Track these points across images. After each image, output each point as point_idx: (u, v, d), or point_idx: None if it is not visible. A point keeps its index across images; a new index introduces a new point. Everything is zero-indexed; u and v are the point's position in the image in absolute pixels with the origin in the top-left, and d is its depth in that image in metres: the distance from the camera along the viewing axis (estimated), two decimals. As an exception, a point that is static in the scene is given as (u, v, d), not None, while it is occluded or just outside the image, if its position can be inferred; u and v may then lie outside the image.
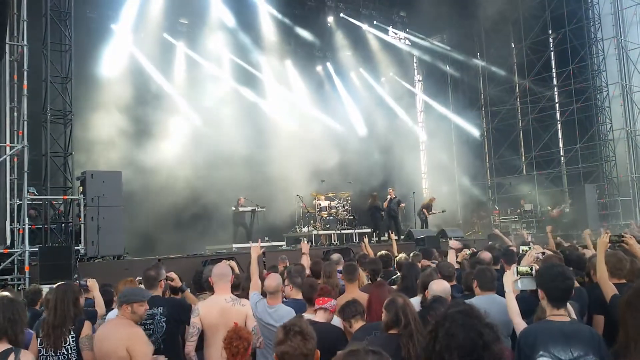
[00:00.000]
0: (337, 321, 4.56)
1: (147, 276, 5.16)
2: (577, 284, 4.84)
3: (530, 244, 7.52)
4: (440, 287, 4.59)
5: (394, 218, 16.90)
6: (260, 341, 4.51)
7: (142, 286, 5.30)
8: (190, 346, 4.55)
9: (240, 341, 3.44)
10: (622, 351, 3.09)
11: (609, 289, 4.41)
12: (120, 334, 4.05)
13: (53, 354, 4.41)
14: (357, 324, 4.21)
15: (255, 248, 5.67)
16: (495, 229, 14.10)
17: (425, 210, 17.63)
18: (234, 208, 16.03)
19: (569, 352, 3.10)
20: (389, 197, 16.87)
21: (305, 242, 7.94)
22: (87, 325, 4.57)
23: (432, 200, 18.26)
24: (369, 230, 17.66)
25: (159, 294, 5.14)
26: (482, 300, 4.26)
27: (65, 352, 4.42)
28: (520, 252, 6.19)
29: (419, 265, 6.99)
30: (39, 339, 4.47)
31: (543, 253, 5.11)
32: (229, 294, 4.76)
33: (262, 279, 5.39)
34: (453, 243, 8.28)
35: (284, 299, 5.33)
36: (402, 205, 17.24)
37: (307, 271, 5.55)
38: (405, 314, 3.60)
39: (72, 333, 4.46)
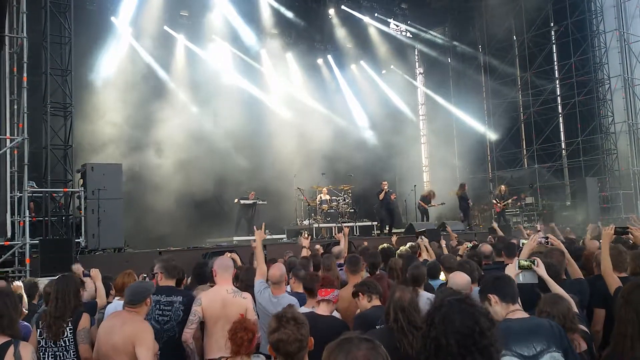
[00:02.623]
0: (337, 315, 4.57)
1: (168, 266, 5.14)
2: (578, 276, 4.85)
3: (536, 234, 7.44)
4: (462, 280, 4.57)
5: (391, 211, 16.87)
6: (258, 336, 4.51)
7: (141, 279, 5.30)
8: (188, 333, 4.55)
9: (245, 332, 3.44)
10: (618, 346, 3.08)
11: (614, 281, 4.39)
12: (130, 329, 4.02)
13: (53, 345, 4.44)
14: (375, 302, 4.28)
15: (260, 234, 5.68)
16: (494, 222, 14.01)
17: (422, 202, 17.62)
18: (236, 200, 16.02)
19: (531, 347, 3.09)
20: (385, 189, 16.79)
21: (306, 235, 7.84)
22: (85, 317, 4.57)
23: (432, 195, 18.15)
24: (369, 223, 17.68)
25: (173, 283, 5.15)
26: None
27: (64, 344, 4.44)
28: (521, 245, 6.16)
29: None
30: (38, 330, 4.48)
31: (546, 238, 5.07)
32: (231, 286, 4.79)
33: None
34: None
35: (288, 291, 5.34)
36: (393, 196, 17.17)
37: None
38: (395, 308, 3.59)
39: (69, 325, 4.47)
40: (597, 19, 20.15)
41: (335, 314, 4.52)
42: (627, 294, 3.15)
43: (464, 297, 2.09)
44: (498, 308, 3.40)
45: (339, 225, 16.53)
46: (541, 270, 3.99)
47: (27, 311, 5.42)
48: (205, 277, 5.79)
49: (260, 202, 16.31)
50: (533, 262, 3.98)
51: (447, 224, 16.02)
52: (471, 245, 8.35)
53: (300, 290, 5.30)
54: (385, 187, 16.71)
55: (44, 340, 4.46)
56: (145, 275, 6.15)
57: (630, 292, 3.14)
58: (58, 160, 11.88)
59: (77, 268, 6.09)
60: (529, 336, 3.14)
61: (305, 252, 7.42)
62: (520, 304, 3.42)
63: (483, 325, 1.97)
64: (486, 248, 6.99)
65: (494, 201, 18.50)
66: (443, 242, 9.92)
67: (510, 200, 18.75)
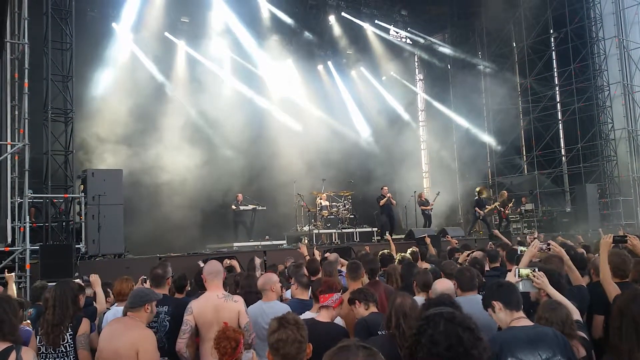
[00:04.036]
0: (340, 321, 4.57)
1: (154, 275, 5.14)
2: (579, 283, 4.85)
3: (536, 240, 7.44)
4: (444, 286, 4.58)
5: (391, 217, 16.85)
6: (252, 338, 4.53)
7: (147, 285, 5.30)
8: (181, 343, 4.57)
9: (228, 341, 3.47)
10: (614, 352, 3.08)
11: (612, 289, 4.39)
12: (133, 335, 4.04)
13: (52, 352, 4.43)
14: (372, 309, 4.32)
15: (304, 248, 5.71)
16: (495, 229, 14.03)
17: (423, 207, 17.64)
18: (234, 207, 16.03)
19: (537, 355, 3.11)
20: (388, 195, 16.73)
21: (304, 241, 7.70)
22: (85, 323, 4.57)
23: (422, 195, 18.19)
24: (369, 229, 17.68)
25: (166, 292, 5.14)
26: (462, 302, 4.22)
27: (64, 350, 4.44)
28: (519, 252, 6.16)
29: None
30: (38, 337, 4.48)
31: (548, 244, 5.05)
32: (221, 291, 4.80)
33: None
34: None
35: (289, 298, 5.35)
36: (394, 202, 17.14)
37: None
38: (397, 314, 3.61)
39: (69, 330, 4.47)
40: (596, 26, 20.21)
41: (339, 320, 4.53)
42: (624, 306, 3.13)
43: (449, 314, 2.07)
44: (502, 315, 3.41)
45: (339, 231, 16.56)
46: (542, 282, 3.97)
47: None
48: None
49: (260, 208, 16.31)
50: (533, 271, 3.99)
51: (447, 230, 16.04)
52: (470, 252, 8.35)
53: (302, 296, 5.30)
54: (387, 193, 16.65)
55: (43, 346, 4.45)
56: (146, 277, 6.15)
57: (627, 303, 3.13)
58: (59, 166, 11.89)
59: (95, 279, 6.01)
60: (535, 344, 3.16)
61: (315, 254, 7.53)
62: (571, 309, 3.46)
63: (467, 344, 1.98)
64: (478, 253, 7.00)
65: (501, 208, 18.53)
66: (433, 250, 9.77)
67: (511, 204, 18.80)
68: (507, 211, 18.43)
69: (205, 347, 4.54)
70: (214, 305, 4.60)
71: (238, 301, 4.70)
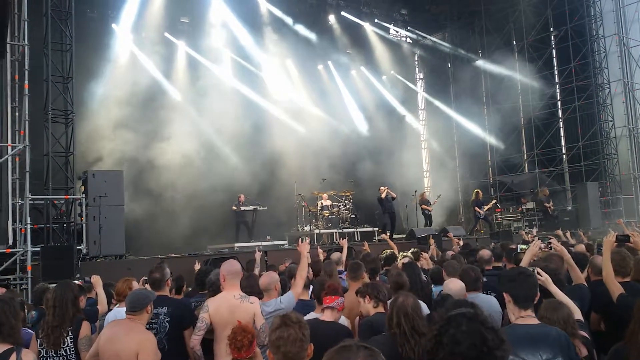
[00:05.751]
0: (344, 320, 4.57)
1: (153, 279, 5.13)
2: (580, 281, 4.85)
3: (535, 238, 7.46)
4: (456, 286, 4.59)
5: (392, 216, 16.81)
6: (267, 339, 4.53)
7: (147, 286, 5.31)
8: (195, 340, 4.55)
9: (244, 334, 3.45)
10: (626, 349, 3.08)
11: (616, 288, 4.39)
12: (134, 338, 4.04)
13: (54, 355, 4.41)
14: (380, 308, 4.28)
15: (304, 246, 5.68)
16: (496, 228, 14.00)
17: (424, 206, 17.66)
18: (235, 207, 16.02)
19: (537, 355, 3.10)
20: (386, 189, 16.65)
21: (302, 241, 7.06)
22: (85, 325, 4.55)
23: (424, 195, 18.26)
24: (370, 229, 17.68)
25: (166, 293, 5.14)
26: None
27: (65, 354, 4.41)
28: (519, 250, 6.16)
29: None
30: (38, 340, 4.46)
31: (550, 243, 5.03)
32: (239, 291, 4.77)
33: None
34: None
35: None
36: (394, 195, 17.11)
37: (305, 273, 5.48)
38: (398, 313, 3.60)
39: (70, 334, 4.45)
40: (596, 23, 20.18)
41: (343, 320, 4.53)
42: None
43: (471, 313, 2.01)
44: (511, 307, 3.40)
45: (341, 231, 16.54)
46: (545, 279, 3.97)
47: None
48: (206, 286, 5.77)
49: (261, 208, 16.31)
50: (532, 270, 3.98)
51: (449, 230, 16.02)
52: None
53: (303, 297, 5.30)
54: (383, 190, 16.57)
55: (44, 350, 4.42)
56: (146, 278, 6.16)
57: None
58: (59, 168, 11.88)
59: (97, 280, 6.02)
60: (536, 343, 3.15)
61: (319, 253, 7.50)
62: (533, 309, 3.41)
63: (490, 344, 1.92)
64: (485, 253, 7.01)
65: (545, 204, 18.52)
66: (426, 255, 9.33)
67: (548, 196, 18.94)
68: (551, 206, 18.45)
69: (220, 347, 4.52)
70: (230, 306, 4.58)
71: (254, 302, 4.70)
